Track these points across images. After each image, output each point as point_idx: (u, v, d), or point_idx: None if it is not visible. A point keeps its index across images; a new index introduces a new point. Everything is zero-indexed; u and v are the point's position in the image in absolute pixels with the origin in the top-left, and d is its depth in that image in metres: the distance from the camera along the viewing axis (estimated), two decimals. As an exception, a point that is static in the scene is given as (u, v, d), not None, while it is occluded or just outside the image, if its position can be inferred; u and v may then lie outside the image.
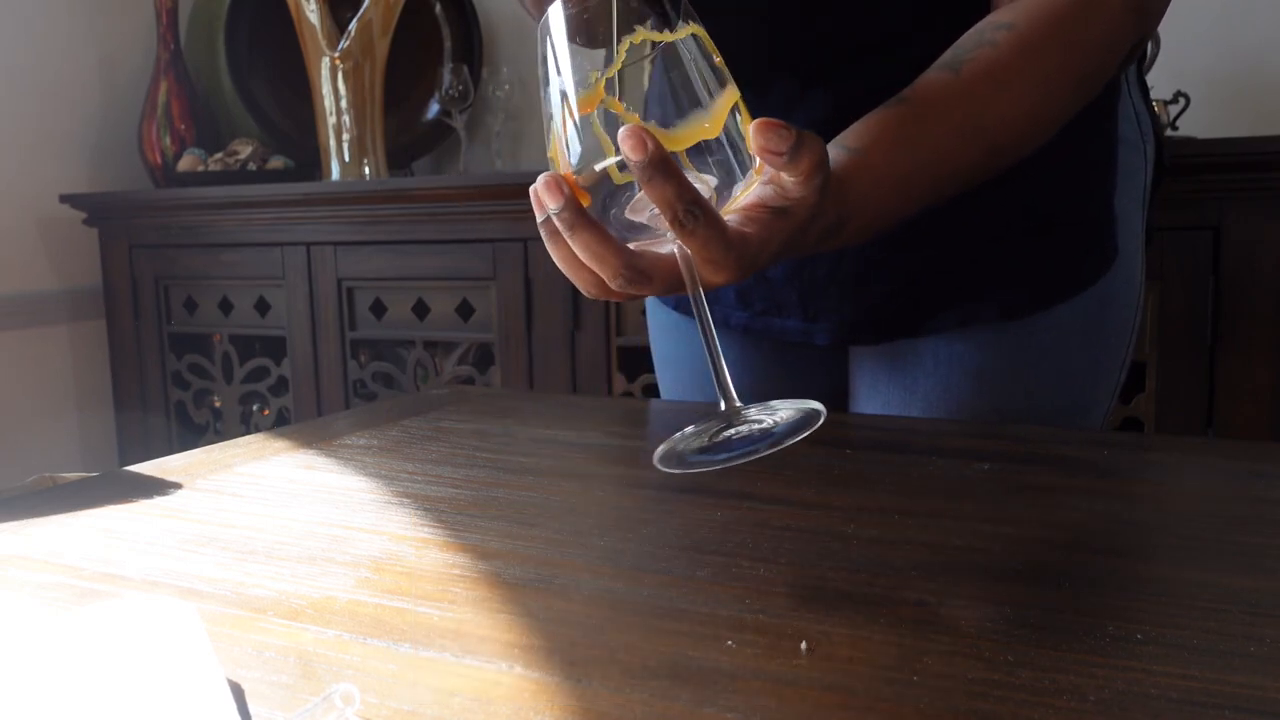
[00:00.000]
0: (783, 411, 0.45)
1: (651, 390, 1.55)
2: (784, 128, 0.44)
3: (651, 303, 0.91)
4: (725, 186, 0.45)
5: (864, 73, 0.71)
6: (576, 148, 0.44)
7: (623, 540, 0.48)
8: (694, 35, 0.45)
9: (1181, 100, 1.52)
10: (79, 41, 2.10)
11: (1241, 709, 0.31)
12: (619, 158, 0.43)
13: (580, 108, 0.44)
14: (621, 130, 0.43)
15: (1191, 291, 1.28)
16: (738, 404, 0.46)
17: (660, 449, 0.46)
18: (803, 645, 0.36)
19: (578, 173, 0.45)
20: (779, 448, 0.43)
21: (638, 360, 1.56)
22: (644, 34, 0.44)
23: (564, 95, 0.45)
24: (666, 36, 0.44)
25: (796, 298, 0.78)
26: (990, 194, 0.72)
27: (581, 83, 0.44)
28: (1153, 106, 0.79)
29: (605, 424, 0.74)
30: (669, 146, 0.43)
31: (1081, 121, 0.71)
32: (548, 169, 0.47)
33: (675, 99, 0.44)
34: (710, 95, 0.44)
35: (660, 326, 0.90)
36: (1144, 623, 0.37)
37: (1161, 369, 1.30)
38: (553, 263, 0.50)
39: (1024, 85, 0.59)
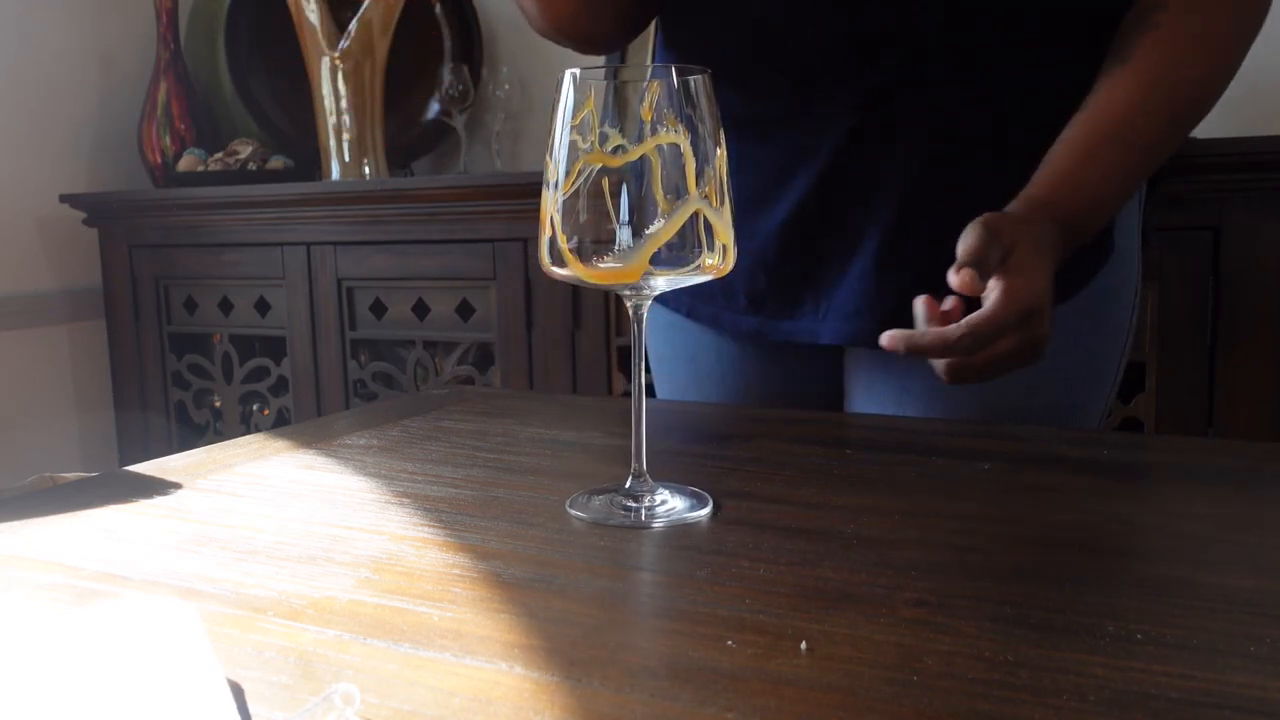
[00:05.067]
0: (674, 500, 0.52)
1: (651, 390, 1.55)
2: (973, 280, 0.60)
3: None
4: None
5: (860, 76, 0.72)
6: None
7: (622, 540, 0.48)
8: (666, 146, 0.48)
9: (1181, 100, 1.52)
10: (79, 41, 2.10)
11: (1241, 709, 0.31)
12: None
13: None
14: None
15: (1191, 291, 1.28)
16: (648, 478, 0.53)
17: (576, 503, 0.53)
18: (803, 645, 0.36)
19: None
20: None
21: (638, 360, 1.56)
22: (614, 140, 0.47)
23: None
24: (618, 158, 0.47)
25: (810, 295, 0.78)
26: (1000, 194, 0.72)
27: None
28: None
29: (605, 424, 0.74)
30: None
31: None
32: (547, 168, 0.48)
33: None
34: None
35: (657, 326, 0.90)
36: (1144, 623, 0.37)
37: (1161, 369, 1.30)
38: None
39: (1194, 52, 0.67)
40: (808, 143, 0.75)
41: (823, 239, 0.76)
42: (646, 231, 0.47)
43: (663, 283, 0.49)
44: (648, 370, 0.95)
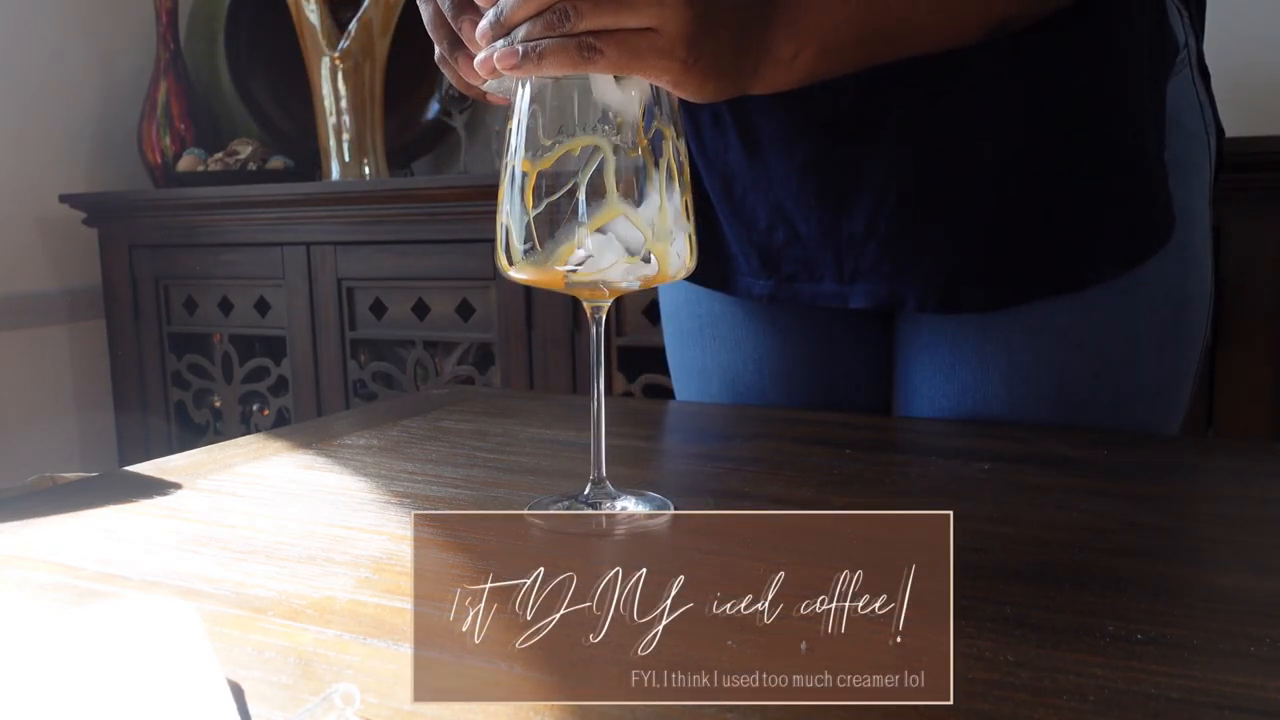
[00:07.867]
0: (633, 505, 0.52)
1: (651, 390, 1.55)
2: None
3: (669, 306, 0.87)
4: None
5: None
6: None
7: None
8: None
9: (1181, 100, 1.52)
10: (78, 41, 2.10)
11: (1241, 709, 0.31)
12: None
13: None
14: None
15: (1191, 291, 1.28)
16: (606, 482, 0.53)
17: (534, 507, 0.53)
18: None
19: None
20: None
21: (638, 360, 1.56)
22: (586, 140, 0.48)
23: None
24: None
25: (831, 257, 0.73)
26: (1041, 152, 0.67)
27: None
28: (1213, 96, 0.74)
29: (605, 424, 0.74)
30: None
31: (1134, 81, 0.68)
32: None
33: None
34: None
35: (682, 333, 0.85)
36: (1144, 623, 0.37)
37: (1161, 369, 1.30)
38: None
39: None
40: (813, 94, 0.67)
41: (841, 190, 0.71)
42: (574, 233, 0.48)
43: (603, 284, 0.49)
44: (653, 370, 0.94)
